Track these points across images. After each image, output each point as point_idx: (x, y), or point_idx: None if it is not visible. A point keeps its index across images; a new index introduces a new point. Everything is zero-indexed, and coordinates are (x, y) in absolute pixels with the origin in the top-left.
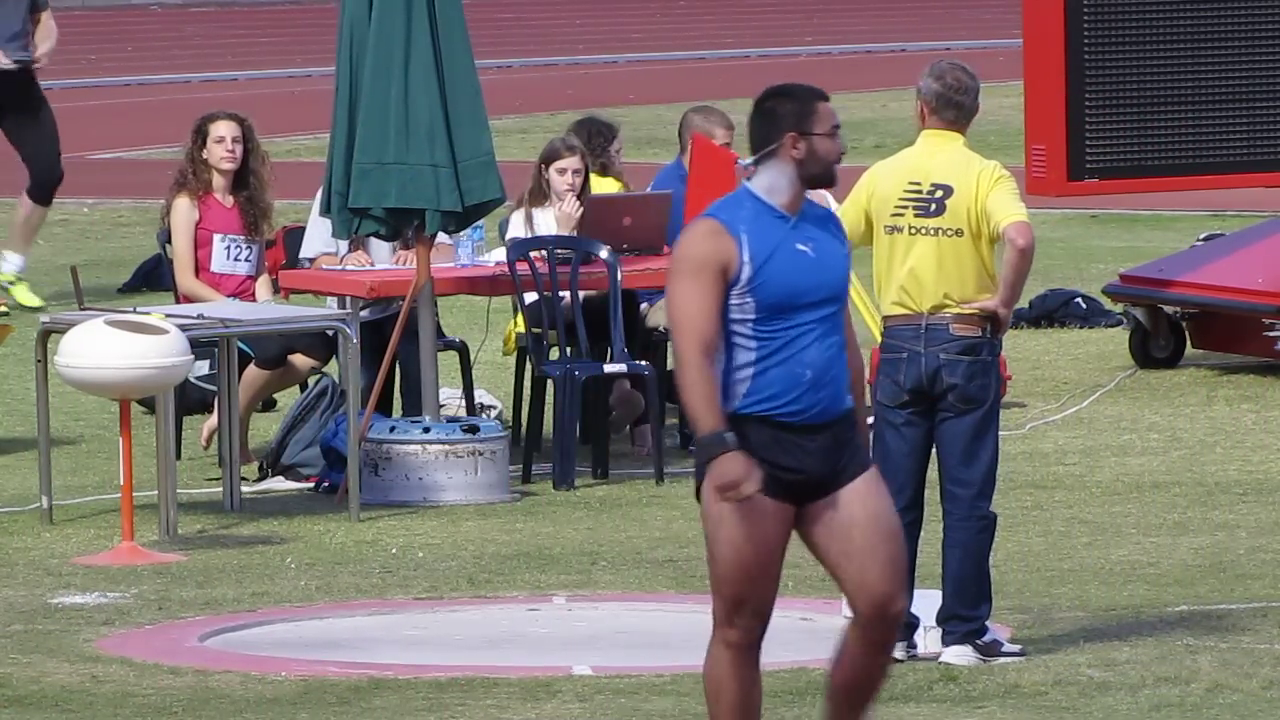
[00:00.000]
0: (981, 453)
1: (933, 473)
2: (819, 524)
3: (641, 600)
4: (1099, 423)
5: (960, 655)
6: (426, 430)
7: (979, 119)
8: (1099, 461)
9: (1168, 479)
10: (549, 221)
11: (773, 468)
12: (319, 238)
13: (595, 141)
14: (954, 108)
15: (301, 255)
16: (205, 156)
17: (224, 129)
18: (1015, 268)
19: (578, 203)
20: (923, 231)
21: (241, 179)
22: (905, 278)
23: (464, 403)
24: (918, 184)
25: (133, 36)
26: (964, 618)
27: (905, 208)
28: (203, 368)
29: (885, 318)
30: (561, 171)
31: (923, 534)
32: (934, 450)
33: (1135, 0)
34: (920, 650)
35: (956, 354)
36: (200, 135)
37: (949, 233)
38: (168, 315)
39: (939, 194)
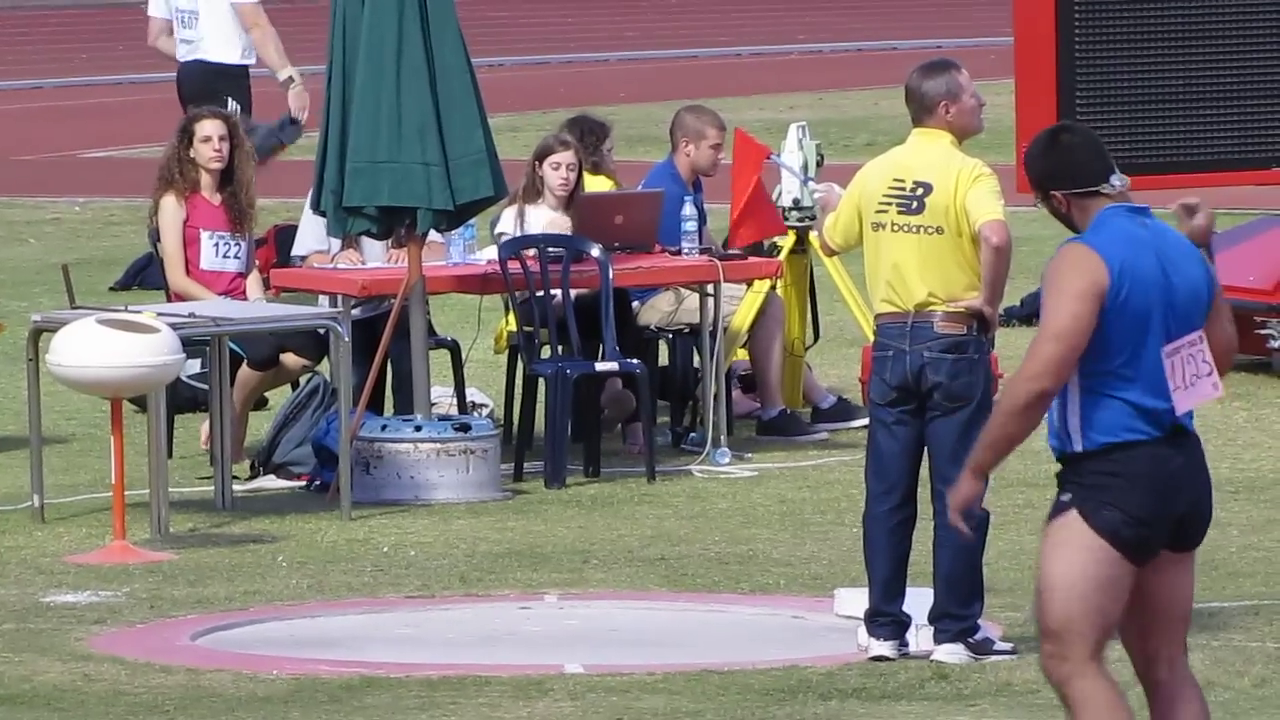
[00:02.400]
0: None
1: (926, 472)
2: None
3: (633, 598)
4: None
5: (952, 653)
6: (418, 428)
7: None
8: None
9: None
10: (541, 219)
11: None
12: (311, 235)
13: (587, 140)
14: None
15: (293, 253)
16: (192, 155)
17: (210, 128)
18: (992, 267)
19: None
20: (905, 229)
21: (226, 176)
22: (890, 275)
23: (455, 401)
24: (901, 181)
25: (124, 35)
26: (956, 616)
27: (889, 205)
28: (194, 366)
29: (876, 316)
30: (555, 166)
31: (915, 533)
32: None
33: None
34: (912, 648)
35: (940, 352)
36: (186, 134)
37: (929, 230)
38: (159, 314)
39: (919, 191)
